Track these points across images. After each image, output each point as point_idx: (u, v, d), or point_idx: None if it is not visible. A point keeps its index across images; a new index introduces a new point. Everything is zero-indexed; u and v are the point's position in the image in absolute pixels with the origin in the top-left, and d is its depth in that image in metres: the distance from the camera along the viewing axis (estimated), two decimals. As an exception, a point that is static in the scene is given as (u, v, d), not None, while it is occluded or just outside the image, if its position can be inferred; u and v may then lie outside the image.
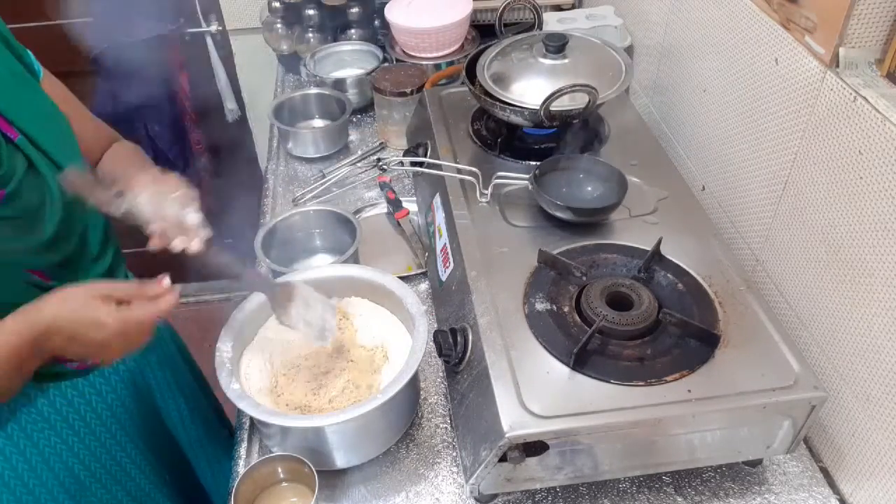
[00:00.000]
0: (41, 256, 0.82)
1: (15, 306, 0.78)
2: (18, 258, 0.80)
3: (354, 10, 1.67)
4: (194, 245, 0.82)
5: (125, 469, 1.01)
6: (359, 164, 1.45)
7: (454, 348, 0.86)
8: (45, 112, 0.87)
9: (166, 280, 0.78)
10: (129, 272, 1.04)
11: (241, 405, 0.82)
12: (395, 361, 0.91)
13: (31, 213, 0.81)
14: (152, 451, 1.07)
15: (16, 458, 0.87)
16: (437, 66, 1.55)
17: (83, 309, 0.73)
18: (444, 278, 1.01)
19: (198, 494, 1.21)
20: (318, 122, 1.57)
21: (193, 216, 0.83)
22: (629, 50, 1.45)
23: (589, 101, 1.01)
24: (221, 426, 1.31)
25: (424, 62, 1.54)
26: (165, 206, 0.81)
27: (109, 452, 0.98)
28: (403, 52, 1.59)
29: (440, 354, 0.88)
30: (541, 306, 0.87)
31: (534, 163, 1.07)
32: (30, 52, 0.91)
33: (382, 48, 1.66)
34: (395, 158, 1.38)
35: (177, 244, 0.81)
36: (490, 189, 1.04)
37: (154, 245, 0.82)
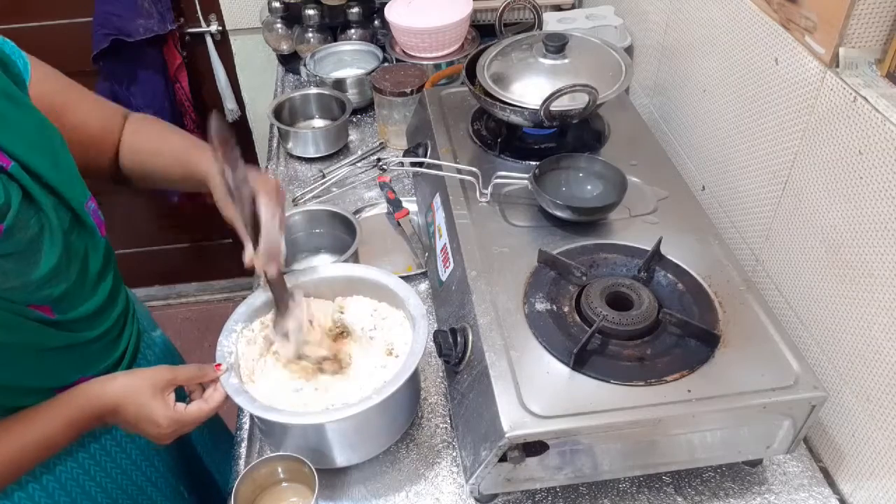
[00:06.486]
0: (42, 290, 0.78)
1: (23, 346, 0.78)
2: (20, 294, 0.76)
3: (354, 10, 1.67)
4: (272, 271, 0.86)
5: (143, 490, 1.00)
6: (359, 164, 1.45)
7: (454, 348, 0.86)
8: (36, 131, 0.79)
9: (223, 366, 0.85)
10: (128, 290, 1.01)
11: (238, 400, 0.82)
12: (398, 358, 0.91)
13: (30, 247, 0.76)
14: (170, 471, 1.06)
15: (32, 485, 0.86)
16: (437, 66, 1.55)
17: (145, 407, 0.80)
18: (444, 278, 1.01)
19: (218, 498, 1.20)
20: (318, 122, 1.57)
21: (284, 248, 0.88)
22: (629, 50, 1.45)
23: (589, 101, 1.01)
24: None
25: (424, 62, 1.54)
26: (274, 231, 0.85)
27: (125, 473, 0.97)
28: (403, 52, 1.59)
29: (440, 354, 0.88)
30: (541, 306, 0.87)
31: (534, 163, 1.07)
32: (13, 50, 0.83)
33: (382, 48, 1.66)
34: (395, 158, 1.38)
35: (265, 268, 0.86)
36: (490, 189, 1.04)
37: (247, 263, 0.86)
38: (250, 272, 0.90)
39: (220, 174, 0.84)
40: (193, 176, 0.91)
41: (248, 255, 0.85)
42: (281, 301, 0.89)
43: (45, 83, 0.85)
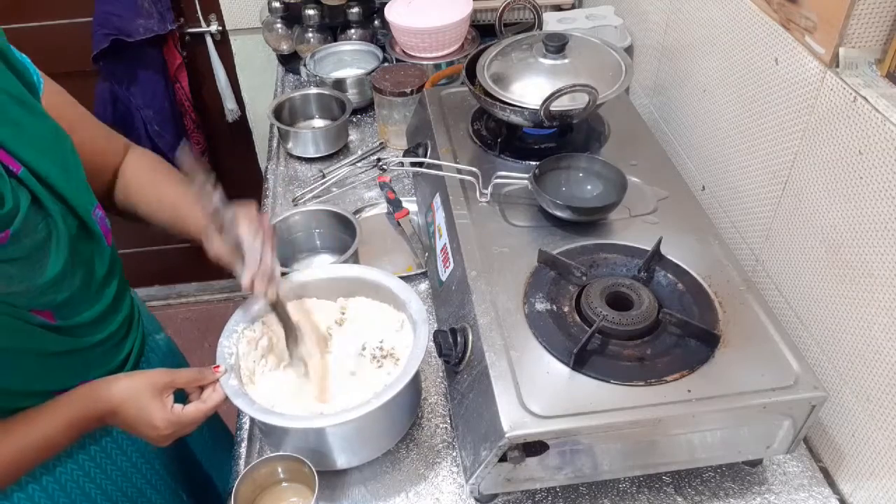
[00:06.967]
0: (46, 296, 0.78)
1: (24, 351, 0.78)
2: (23, 300, 0.76)
3: (354, 10, 1.68)
4: (272, 294, 0.87)
5: (142, 492, 1.00)
6: (359, 164, 1.45)
7: (454, 348, 0.86)
8: (48, 138, 0.80)
9: (221, 368, 0.85)
10: (134, 295, 1.01)
11: (237, 402, 0.82)
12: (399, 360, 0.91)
13: (36, 252, 0.76)
14: (169, 473, 1.06)
15: (31, 486, 0.86)
16: (437, 66, 1.55)
17: (144, 410, 0.81)
18: (444, 278, 1.01)
19: (216, 501, 1.20)
20: (318, 122, 1.57)
21: (279, 269, 0.88)
22: (629, 50, 1.45)
23: (589, 101, 1.01)
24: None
25: (424, 62, 1.54)
26: (263, 251, 0.85)
27: (125, 475, 0.97)
28: (403, 52, 1.59)
29: (440, 354, 0.88)
30: (541, 306, 0.87)
31: (534, 163, 1.07)
32: (29, 63, 0.83)
33: (382, 48, 1.66)
34: (395, 158, 1.38)
35: (266, 289, 0.86)
36: (490, 189, 1.04)
37: (246, 283, 0.85)
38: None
39: (208, 217, 0.86)
40: (184, 230, 0.95)
41: (248, 275, 0.85)
42: (289, 325, 0.89)
43: (55, 100, 0.85)
